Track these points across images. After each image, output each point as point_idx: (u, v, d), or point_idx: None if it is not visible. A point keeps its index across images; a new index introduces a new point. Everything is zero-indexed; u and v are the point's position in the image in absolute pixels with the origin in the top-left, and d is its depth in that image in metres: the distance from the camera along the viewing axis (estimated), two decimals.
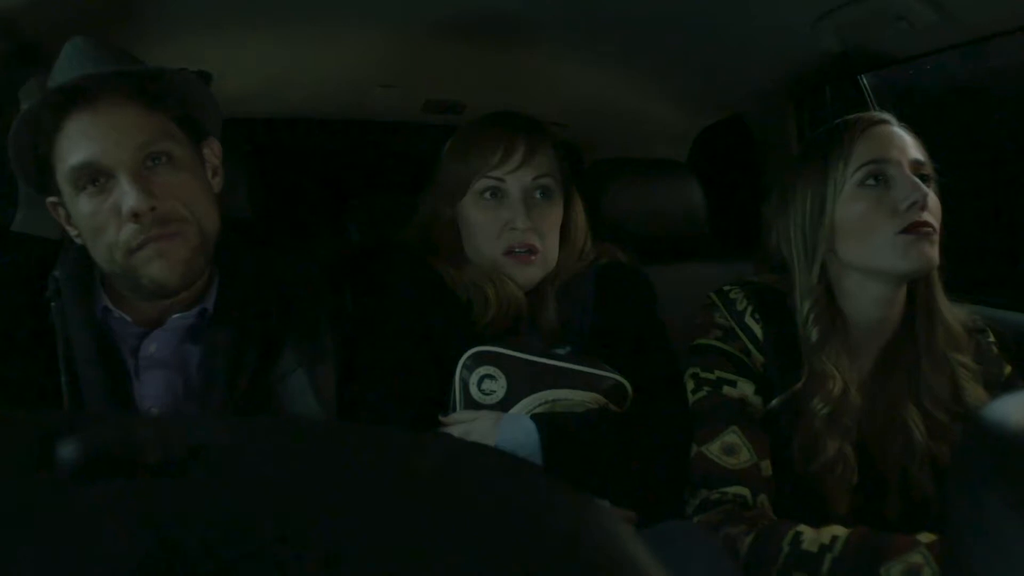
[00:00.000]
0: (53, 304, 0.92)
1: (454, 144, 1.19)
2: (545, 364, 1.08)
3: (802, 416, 0.99)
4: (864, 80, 1.56)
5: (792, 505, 0.98)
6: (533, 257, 1.12)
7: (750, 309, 1.03)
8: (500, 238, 1.12)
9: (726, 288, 1.07)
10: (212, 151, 0.98)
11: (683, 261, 1.62)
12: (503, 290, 1.11)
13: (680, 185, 1.70)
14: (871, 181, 1.00)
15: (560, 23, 1.45)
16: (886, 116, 1.05)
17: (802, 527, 0.91)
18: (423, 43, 1.51)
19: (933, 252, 0.97)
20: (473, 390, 1.05)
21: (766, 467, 0.99)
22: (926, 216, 0.97)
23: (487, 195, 1.13)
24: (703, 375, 1.04)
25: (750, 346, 1.03)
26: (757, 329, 1.02)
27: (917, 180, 0.98)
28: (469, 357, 1.06)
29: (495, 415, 1.03)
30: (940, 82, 1.90)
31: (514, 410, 1.05)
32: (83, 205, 0.88)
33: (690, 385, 1.05)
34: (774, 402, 1.01)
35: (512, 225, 1.11)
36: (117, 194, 0.86)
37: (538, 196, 1.14)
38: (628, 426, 1.06)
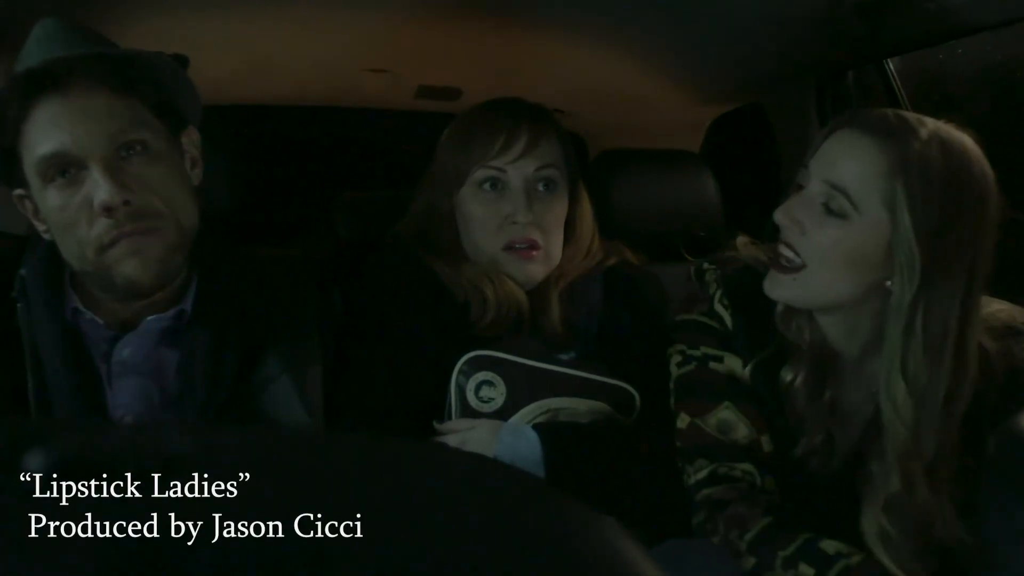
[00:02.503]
0: (19, 304, 0.92)
1: (452, 132, 1.19)
2: (548, 370, 1.08)
3: (781, 394, 0.99)
4: (890, 65, 1.56)
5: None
6: (534, 253, 1.12)
7: (719, 295, 1.04)
8: (500, 232, 1.12)
9: (705, 267, 1.08)
10: (191, 140, 0.98)
11: (697, 260, 1.62)
12: (503, 290, 1.11)
13: (693, 178, 1.69)
14: (796, 188, 0.97)
15: (564, 2, 1.45)
16: (849, 119, 0.95)
17: (825, 536, 0.92)
18: (416, 24, 1.51)
19: (781, 288, 0.95)
20: (470, 397, 1.05)
21: (767, 442, 1.00)
22: (783, 250, 0.94)
23: (487, 186, 1.13)
24: (689, 352, 1.05)
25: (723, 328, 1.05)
26: (726, 316, 1.03)
27: (796, 203, 0.94)
28: (466, 362, 1.06)
29: (494, 424, 1.03)
30: (972, 67, 1.90)
31: (514, 419, 1.05)
32: (52, 198, 0.88)
33: (676, 359, 1.06)
34: (748, 367, 1.00)
35: (513, 219, 1.11)
36: (88, 186, 0.86)
37: (541, 188, 1.14)
38: (636, 438, 1.06)
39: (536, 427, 1.02)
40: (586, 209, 1.22)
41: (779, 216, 0.94)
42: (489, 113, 1.16)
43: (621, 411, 1.08)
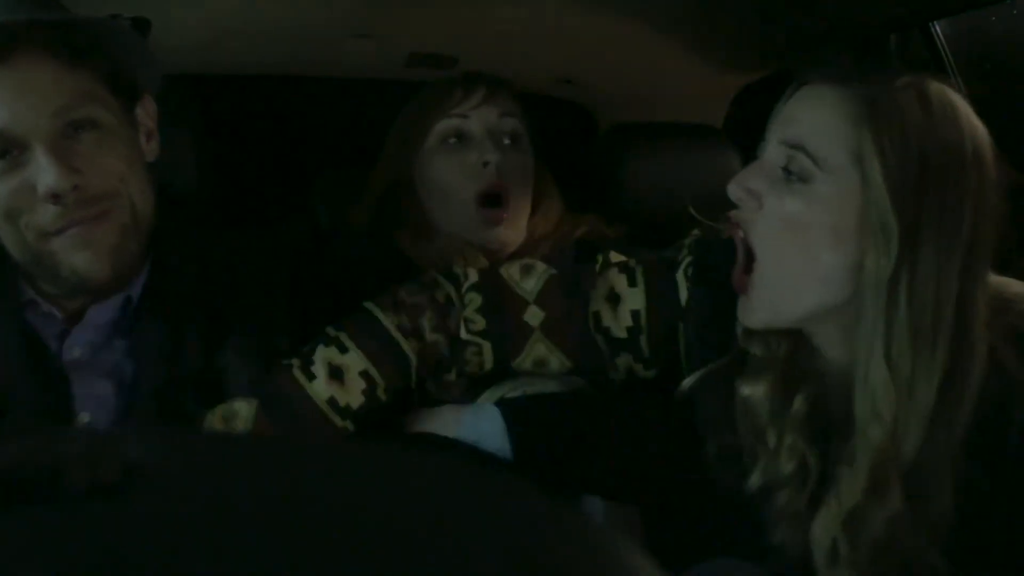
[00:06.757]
0: None
1: (408, 105, 1.28)
2: None
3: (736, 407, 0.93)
4: (936, 28, 1.55)
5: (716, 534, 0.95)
6: (504, 215, 1.18)
7: (686, 263, 1.02)
8: (468, 181, 1.18)
9: (695, 232, 1.04)
10: (146, 111, 0.98)
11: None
12: (473, 264, 1.15)
13: (715, 154, 1.69)
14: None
15: None
16: (811, 76, 0.89)
17: None
18: None
19: (751, 310, 0.88)
20: (429, 383, 1.06)
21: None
22: (735, 231, 0.89)
23: (451, 140, 1.20)
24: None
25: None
26: (682, 288, 1.01)
27: (750, 172, 0.88)
28: None
29: (456, 408, 1.03)
30: None
31: (480, 400, 1.06)
32: None
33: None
34: (690, 379, 0.95)
35: (483, 159, 1.17)
36: (32, 169, 0.86)
37: (507, 141, 1.21)
38: (612, 407, 1.05)
39: (500, 403, 1.02)
40: (551, 183, 1.30)
41: (732, 189, 0.87)
42: (446, 78, 1.26)
43: (598, 389, 1.09)
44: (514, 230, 1.20)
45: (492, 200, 1.19)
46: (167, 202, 0.98)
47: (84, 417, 0.93)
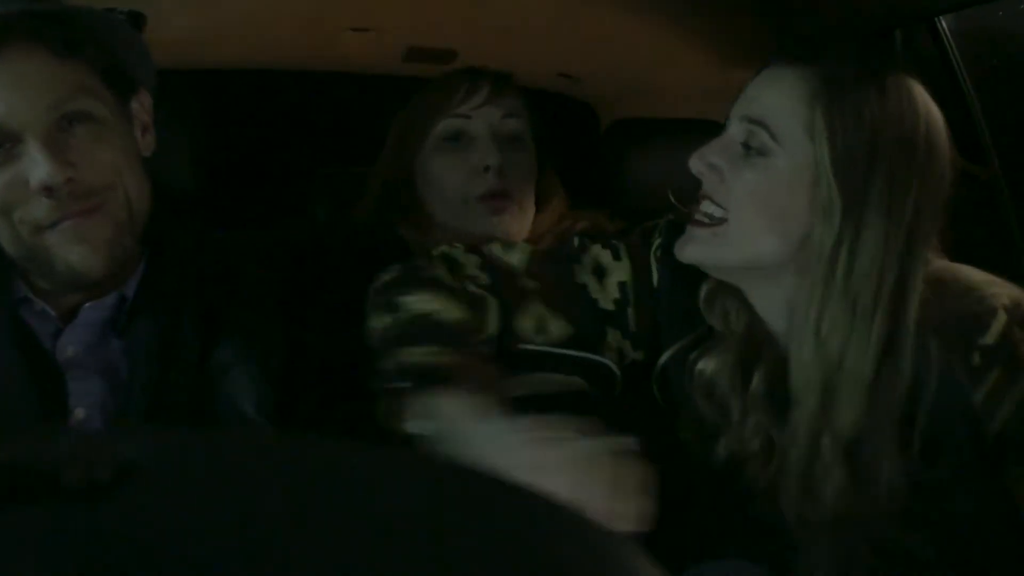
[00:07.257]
0: None
1: (410, 103, 1.26)
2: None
3: (704, 382, 0.97)
4: (943, 23, 1.55)
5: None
6: (508, 204, 1.17)
7: (656, 244, 1.05)
8: (469, 185, 1.17)
9: (668, 216, 1.07)
10: (141, 105, 0.98)
11: None
12: None
13: None
14: None
15: None
16: (774, 60, 0.94)
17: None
18: None
19: (695, 245, 0.93)
20: None
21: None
22: (704, 204, 0.93)
23: (451, 141, 1.18)
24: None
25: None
26: (654, 271, 1.04)
27: (712, 147, 0.92)
28: None
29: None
30: None
31: None
32: None
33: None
34: (664, 356, 1.00)
35: (484, 163, 1.16)
36: (25, 163, 0.86)
37: (509, 140, 1.19)
38: (611, 412, 1.06)
39: None
40: (556, 183, 1.29)
41: (694, 164, 0.92)
42: (449, 74, 1.24)
43: (600, 387, 1.09)
44: (518, 223, 1.19)
45: (494, 196, 1.19)
46: (163, 198, 0.99)
47: (80, 413, 0.93)
